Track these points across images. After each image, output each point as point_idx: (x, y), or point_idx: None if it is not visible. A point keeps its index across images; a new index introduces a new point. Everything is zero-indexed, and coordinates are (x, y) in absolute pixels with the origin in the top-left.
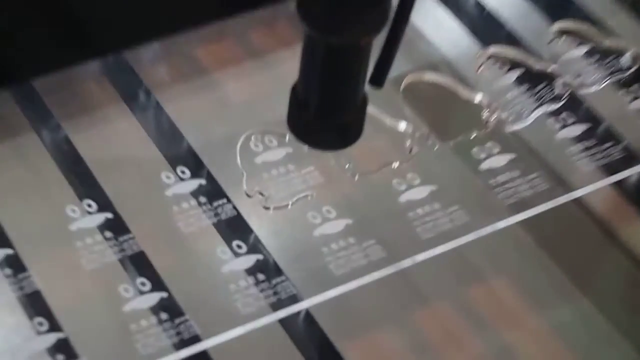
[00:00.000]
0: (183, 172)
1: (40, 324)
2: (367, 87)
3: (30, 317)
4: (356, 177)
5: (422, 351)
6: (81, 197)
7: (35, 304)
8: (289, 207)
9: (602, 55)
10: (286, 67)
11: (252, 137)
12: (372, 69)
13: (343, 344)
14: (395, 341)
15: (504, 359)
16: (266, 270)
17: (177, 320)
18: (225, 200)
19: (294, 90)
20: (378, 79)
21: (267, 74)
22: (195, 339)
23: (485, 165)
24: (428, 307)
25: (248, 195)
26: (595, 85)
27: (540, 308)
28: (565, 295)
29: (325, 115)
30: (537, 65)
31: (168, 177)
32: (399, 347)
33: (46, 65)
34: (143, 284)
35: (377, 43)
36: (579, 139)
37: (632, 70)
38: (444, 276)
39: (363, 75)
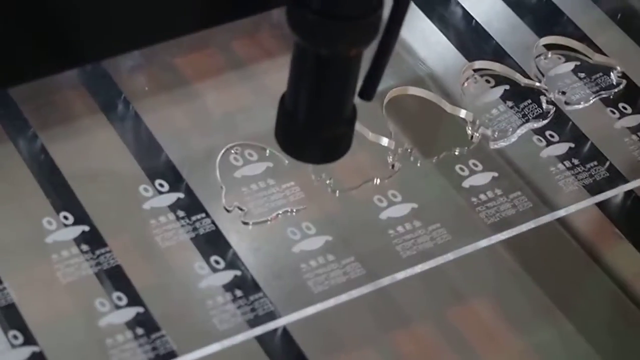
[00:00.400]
0: (161, 185)
1: (15, 337)
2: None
3: (5, 331)
4: (337, 193)
5: None
6: (57, 209)
7: (10, 317)
8: (268, 222)
9: (589, 72)
10: (269, 79)
11: (232, 151)
12: (361, 82)
13: None
14: None
15: None
16: (244, 286)
17: (153, 336)
18: (203, 215)
19: (282, 101)
20: (368, 92)
21: (249, 85)
22: (172, 355)
23: (467, 183)
24: (407, 327)
25: (227, 210)
26: (581, 102)
27: (521, 329)
28: (546, 317)
29: (313, 128)
30: (523, 81)
31: (146, 190)
32: None
33: (24, 74)
34: (119, 298)
35: (367, 55)
36: (564, 157)
37: (620, 87)
38: (424, 295)
39: (352, 88)
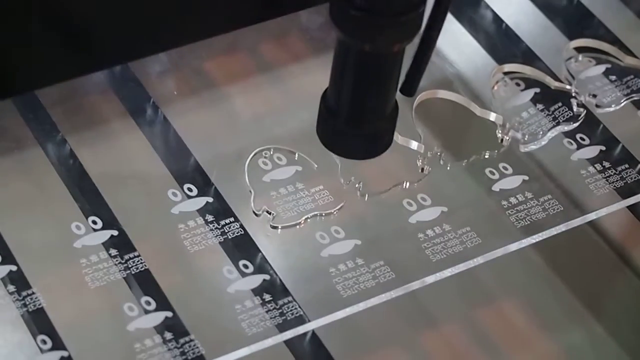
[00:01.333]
0: (190, 190)
1: (44, 342)
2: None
3: (34, 335)
4: (366, 197)
5: None
6: (86, 214)
7: (38, 322)
8: (297, 226)
9: (620, 74)
10: (297, 82)
11: (261, 155)
12: (403, 77)
13: None
14: None
15: None
16: (273, 290)
17: (182, 340)
18: (232, 219)
19: (324, 96)
20: (409, 88)
21: (277, 88)
22: (200, 359)
23: (497, 186)
24: (436, 328)
25: (256, 214)
26: (612, 105)
27: (551, 331)
28: (576, 319)
29: (355, 123)
30: (554, 84)
31: (175, 195)
32: None
33: (50, 76)
34: (148, 302)
35: (409, 52)
36: (595, 160)
37: None
38: (453, 297)
39: (394, 83)
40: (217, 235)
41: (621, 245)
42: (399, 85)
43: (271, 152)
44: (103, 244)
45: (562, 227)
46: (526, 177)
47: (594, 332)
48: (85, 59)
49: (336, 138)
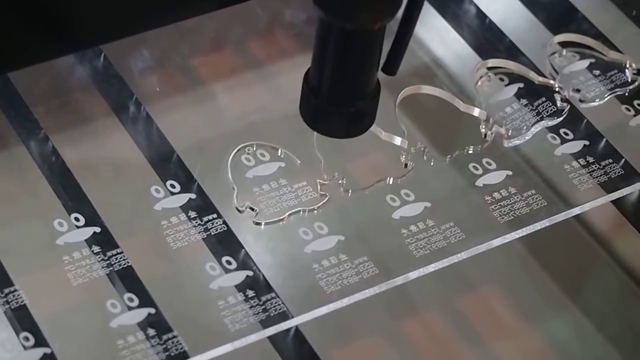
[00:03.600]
0: (173, 186)
1: (27, 339)
2: None
3: (17, 332)
4: (350, 193)
5: None
6: (69, 211)
7: (21, 319)
8: (281, 222)
9: (604, 69)
10: (283, 79)
11: (244, 151)
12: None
13: None
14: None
15: None
16: (256, 286)
17: (165, 337)
18: (215, 215)
19: (307, 77)
20: (391, 67)
21: (261, 84)
22: (183, 356)
23: (481, 182)
24: (418, 316)
25: (239, 211)
26: (596, 100)
27: (533, 321)
28: (558, 307)
29: (337, 102)
30: (538, 79)
31: (157, 191)
32: None
33: (20, 60)
34: (131, 299)
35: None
36: (579, 155)
37: (635, 85)
38: (435, 286)
39: (376, 62)
40: (200, 232)
41: (606, 239)
42: (381, 65)
43: (254, 149)
44: (86, 240)
45: (545, 222)
46: (510, 172)
47: (576, 322)
48: (58, 42)
49: (318, 117)
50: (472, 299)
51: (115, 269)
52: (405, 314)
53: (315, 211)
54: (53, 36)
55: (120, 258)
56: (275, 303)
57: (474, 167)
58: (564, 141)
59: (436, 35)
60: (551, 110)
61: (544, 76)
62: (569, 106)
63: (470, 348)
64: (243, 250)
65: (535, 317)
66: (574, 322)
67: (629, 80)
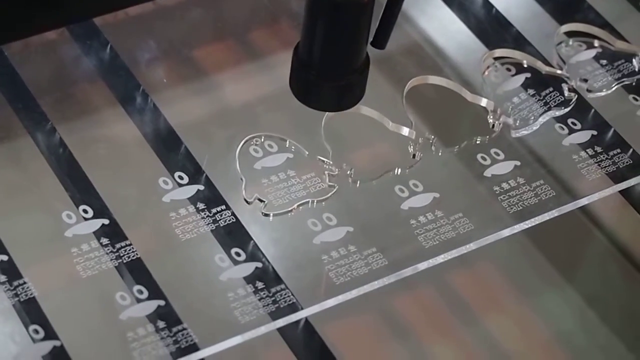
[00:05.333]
0: (181, 178)
1: (36, 331)
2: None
3: (26, 325)
4: (358, 184)
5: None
6: (77, 203)
7: (30, 312)
8: (289, 214)
9: (611, 58)
10: (288, 69)
11: (252, 142)
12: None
13: (342, 353)
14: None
15: (486, 344)
16: (265, 278)
17: (175, 329)
18: (223, 207)
19: (296, 51)
20: (380, 40)
21: (268, 75)
22: (193, 348)
23: (489, 172)
24: (409, 290)
25: (247, 202)
26: (603, 89)
27: (527, 295)
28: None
29: (327, 76)
30: (545, 69)
31: (166, 183)
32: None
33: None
34: (140, 291)
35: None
36: (586, 145)
37: None
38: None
39: (365, 35)
40: (208, 224)
41: (613, 230)
42: (370, 39)
43: (262, 140)
44: (94, 232)
45: (554, 213)
46: (518, 163)
47: (581, 311)
48: (50, 15)
49: (308, 90)
50: (468, 277)
51: (124, 261)
52: (397, 287)
53: (324, 202)
54: (44, 8)
55: (129, 250)
56: (285, 295)
57: (482, 157)
58: (571, 131)
59: (442, 25)
60: (559, 100)
61: (551, 66)
62: (576, 96)
63: (460, 320)
64: (252, 241)
65: (529, 292)
66: (579, 311)
67: (637, 69)
